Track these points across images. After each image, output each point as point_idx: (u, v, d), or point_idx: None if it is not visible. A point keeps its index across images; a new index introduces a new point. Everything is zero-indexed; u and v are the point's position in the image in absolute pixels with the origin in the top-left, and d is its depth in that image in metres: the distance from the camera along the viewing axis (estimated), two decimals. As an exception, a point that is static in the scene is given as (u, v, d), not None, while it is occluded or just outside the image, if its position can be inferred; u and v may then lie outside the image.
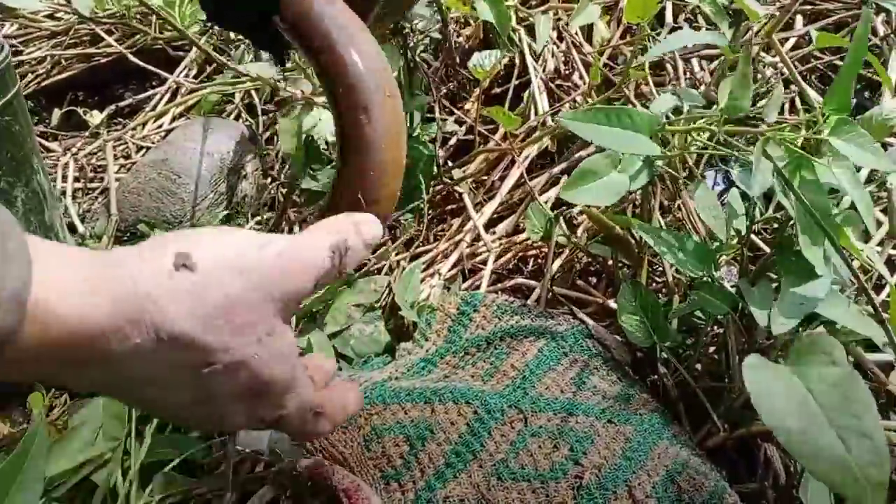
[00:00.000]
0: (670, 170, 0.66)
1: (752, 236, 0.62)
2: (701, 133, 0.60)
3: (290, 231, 0.96)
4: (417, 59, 0.99)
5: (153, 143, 1.15)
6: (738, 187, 0.77)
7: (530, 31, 1.06)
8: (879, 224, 0.74)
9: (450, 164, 0.99)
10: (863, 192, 0.52)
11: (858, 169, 0.55)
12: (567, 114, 0.58)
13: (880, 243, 0.71)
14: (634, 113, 0.58)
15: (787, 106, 0.93)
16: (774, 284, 0.57)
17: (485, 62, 0.89)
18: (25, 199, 0.77)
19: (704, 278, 0.57)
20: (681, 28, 1.06)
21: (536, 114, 0.98)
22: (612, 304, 0.75)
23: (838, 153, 0.51)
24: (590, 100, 0.96)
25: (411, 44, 0.95)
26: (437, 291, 0.79)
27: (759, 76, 0.92)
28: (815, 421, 0.42)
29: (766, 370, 0.45)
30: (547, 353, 0.64)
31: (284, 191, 0.96)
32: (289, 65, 0.84)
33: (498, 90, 1.07)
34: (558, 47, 1.05)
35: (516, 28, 1.06)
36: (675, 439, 0.58)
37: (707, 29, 1.06)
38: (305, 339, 0.73)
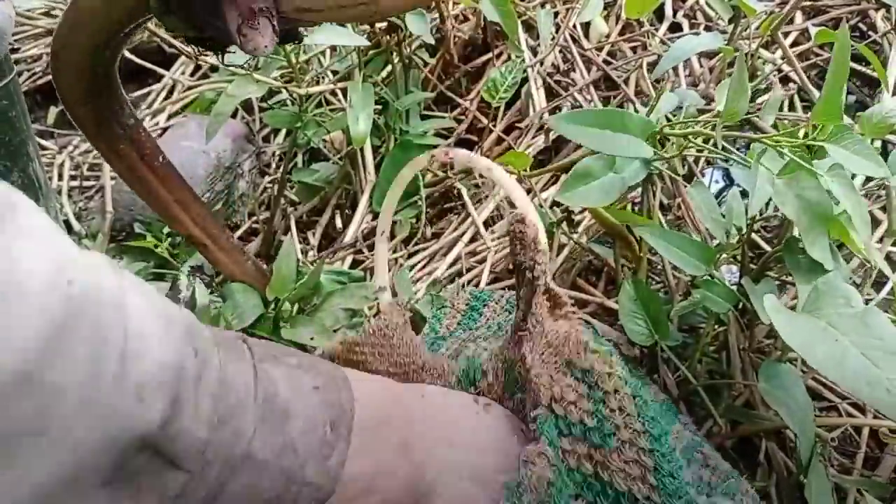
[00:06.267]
0: (669, 171, 0.65)
1: (752, 234, 0.61)
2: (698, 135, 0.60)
3: (287, 229, 0.96)
4: (413, 56, 0.99)
5: (150, 141, 1.14)
6: (738, 185, 0.77)
7: (527, 26, 1.06)
8: (879, 222, 0.74)
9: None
10: (858, 201, 0.51)
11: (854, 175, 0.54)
12: (558, 116, 0.58)
13: (879, 240, 0.70)
14: (628, 115, 0.57)
15: (785, 103, 0.93)
16: (776, 283, 0.57)
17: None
18: (21, 185, 0.78)
19: (706, 277, 0.56)
20: (679, 25, 1.06)
21: (534, 110, 0.98)
22: (610, 303, 0.74)
23: (834, 161, 0.51)
24: (589, 97, 0.96)
25: (406, 41, 0.95)
26: (440, 287, 0.79)
27: (759, 73, 0.91)
28: (838, 346, 0.44)
29: (786, 312, 0.47)
30: None
31: (277, 186, 0.96)
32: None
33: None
34: (556, 42, 1.04)
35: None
36: (686, 427, 0.57)
37: (706, 25, 1.05)
38: (299, 330, 0.73)
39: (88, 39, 0.53)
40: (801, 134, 0.53)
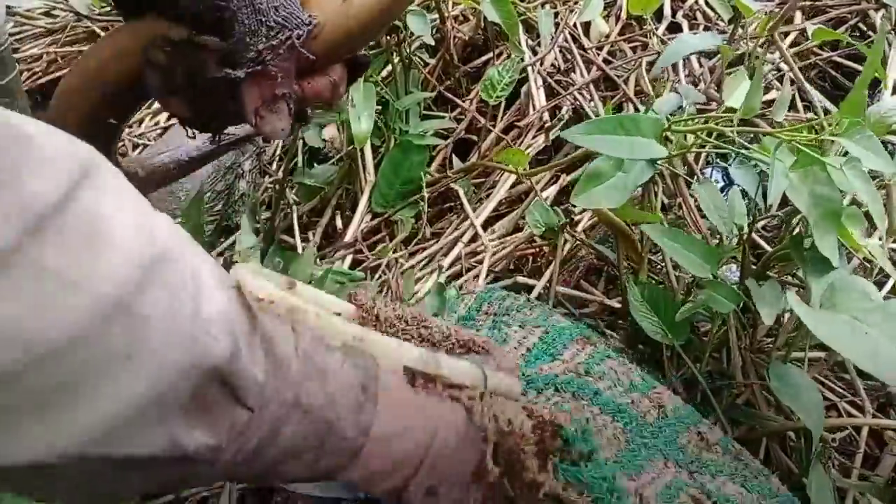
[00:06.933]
0: (670, 167, 0.65)
1: (752, 234, 0.61)
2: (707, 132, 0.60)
3: (287, 229, 0.96)
4: (413, 56, 0.99)
5: (150, 140, 1.15)
6: (737, 185, 0.77)
7: (527, 26, 1.06)
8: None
9: (451, 160, 0.98)
10: (874, 192, 0.52)
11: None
12: (572, 129, 0.58)
13: (879, 239, 0.70)
14: (641, 119, 0.57)
15: (786, 102, 0.93)
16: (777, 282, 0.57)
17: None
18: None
19: (709, 277, 0.57)
20: (679, 24, 1.06)
21: (534, 109, 0.98)
22: (611, 303, 0.74)
23: (849, 154, 0.51)
24: (589, 96, 0.96)
25: (406, 42, 0.95)
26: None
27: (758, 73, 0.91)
28: (868, 339, 0.45)
29: (813, 310, 0.48)
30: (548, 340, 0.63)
31: (277, 186, 0.96)
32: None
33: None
34: (555, 42, 1.04)
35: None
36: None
37: (705, 25, 1.05)
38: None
39: (78, 110, 0.53)
40: (813, 130, 0.54)
